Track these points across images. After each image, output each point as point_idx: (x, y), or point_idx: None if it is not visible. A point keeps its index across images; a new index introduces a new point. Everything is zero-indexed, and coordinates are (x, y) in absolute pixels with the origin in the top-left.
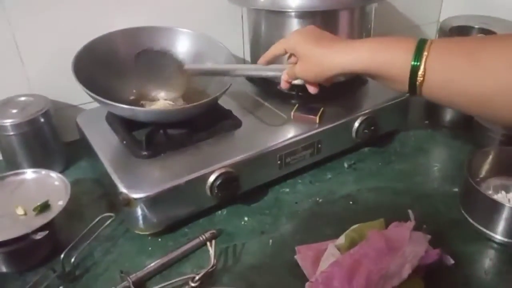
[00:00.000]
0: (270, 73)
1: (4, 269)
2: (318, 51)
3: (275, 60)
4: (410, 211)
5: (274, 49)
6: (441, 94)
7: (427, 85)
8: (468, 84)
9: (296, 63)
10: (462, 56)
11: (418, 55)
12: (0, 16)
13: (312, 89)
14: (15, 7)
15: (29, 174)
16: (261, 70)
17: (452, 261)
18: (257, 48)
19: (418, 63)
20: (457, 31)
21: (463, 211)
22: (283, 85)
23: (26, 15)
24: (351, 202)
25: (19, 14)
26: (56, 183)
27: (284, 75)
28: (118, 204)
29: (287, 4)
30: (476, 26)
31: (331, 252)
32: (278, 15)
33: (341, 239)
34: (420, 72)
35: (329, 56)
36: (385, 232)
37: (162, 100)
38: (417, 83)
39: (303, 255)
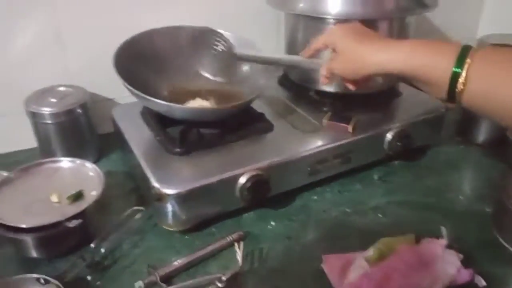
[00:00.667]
0: (310, 66)
1: (35, 254)
2: (357, 48)
3: (316, 54)
4: (443, 228)
5: (315, 43)
6: (481, 104)
7: (467, 94)
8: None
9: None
10: (507, 67)
11: (460, 62)
12: (46, 7)
13: (350, 86)
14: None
15: (65, 162)
16: (302, 62)
17: (484, 283)
18: (293, 53)
19: (460, 70)
20: None
21: (495, 232)
22: (322, 80)
23: (72, 7)
24: (380, 215)
25: (65, 5)
26: (91, 173)
27: (323, 70)
28: (149, 198)
29: (326, 10)
30: None
31: (359, 264)
32: (317, 21)
33: (370, 252)
34: (461, 80)
35: (368, 53)
36: (416, 247)
37: (198, 99)
38: (457, 90)
39: (330, 264)
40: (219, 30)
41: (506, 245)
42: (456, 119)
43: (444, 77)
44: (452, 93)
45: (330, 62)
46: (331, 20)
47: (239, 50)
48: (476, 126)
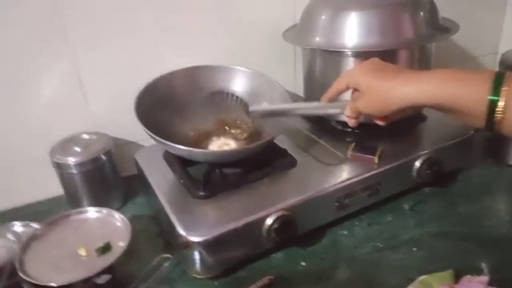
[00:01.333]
0: (333, 111)
1: None
2: (382, 84)
3: (338, 96)
4: (484, 265)
5: (337, 85)
6: None
7: (508, 121)
8: None
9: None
10: None
11: (496, 90)
12: (66, 54)
13: (380, 122)
14: (81, 47)
15: (92, 213)
16: (323, 108)
17: None
18: (311, 86)
19: (497, 98)
20: None
21: None
22: (350, 123)
23: (91, 54)
24: (414, 248)
25: (85, 53)
26: (118, 223)
27: (347, 111)
28: (175, 244)
29: (343, 44)
30: None
31: None
32: (334, 55)
33: None
34: (500, 108)
35: (395, 88)
36: (456, 287)
37: (222, 138)
38: (496, 119)
39: None
40: (231, 90)
41: None
42: (485, 139)
43: (480, 106)
44: (490, 123)
45: (355, 102)
46: (349, 53)
47: (254, 107)
48: (508, 145)
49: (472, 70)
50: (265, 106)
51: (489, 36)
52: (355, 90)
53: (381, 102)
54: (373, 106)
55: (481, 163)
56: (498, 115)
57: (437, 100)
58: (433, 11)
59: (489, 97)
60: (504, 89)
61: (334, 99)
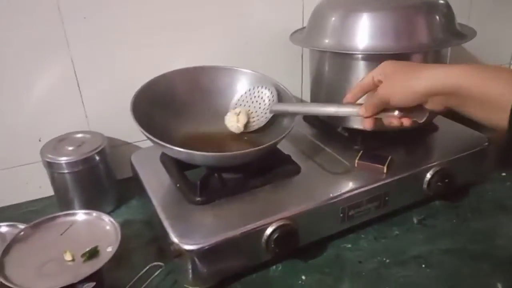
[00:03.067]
0: (349, 110)
1: None
2: (410, 66)
3: (363, 95)
4: (500, 286)
5: (362, 82)
6: None
7: None
8: None
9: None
10: None
11: None
12: (64, 53)
13: (405, 121)
14: (78, 46)
15: (80, 215)
16: (341, 109)
17: None
18: (319, 89)
19: None
20: None
21: None
22: (367, 125)
23: (88, 54)
24: (423, 265)
25: (82, 53)
26: (107, 227)
27: (362, 110)
28: (168, 251)
29: (354, 46)
30: None
31: None
32: (344, 57)
33: None
34: None
35: (419, 70)
36: None
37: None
38: None
39: None
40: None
41: None
42: (499, 152)
43: (506, 95)
44: None
45: (370, 95)
46: (359, 56)
47: (275, 105)
48: None
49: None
50: (284, 105)
51: (503, 47)
52: (379, 83)
53: (407, 81)
54: (396, 90)
55: (495, 177)
56: None
57: (465, 84)
58: (449, 16)
59: None
60: None
61: (359, 97)
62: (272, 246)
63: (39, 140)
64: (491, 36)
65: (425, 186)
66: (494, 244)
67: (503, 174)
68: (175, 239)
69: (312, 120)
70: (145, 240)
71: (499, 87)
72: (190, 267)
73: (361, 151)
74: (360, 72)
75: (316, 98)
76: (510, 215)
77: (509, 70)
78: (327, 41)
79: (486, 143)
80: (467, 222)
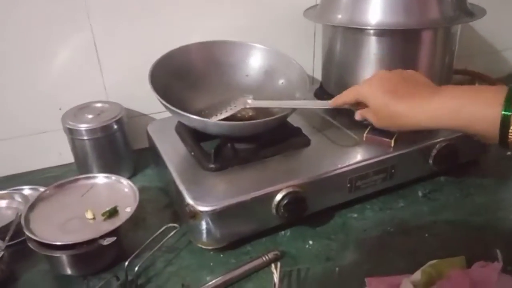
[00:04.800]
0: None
1: (69, 272)
2: (391, 105)
3: (343, 106)
4: (498, 251)
5: (345, 97)
6: None
7: None
8: None
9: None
10: None
11: (508, 103)
12: (84, 25)
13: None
14: (98, 18)
15: (100, 178)
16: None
17: None
18: (330, 66)
19: (510, 113)
20: None
21: None
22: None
23: (108, 25)
24: (426, 235)
25: (102, 24)
26: (126, 189)
27: (357, 116)
28: (183, 215)
29: (366, 21)
30: None
31: None
32: (355, 33)
33: (417, 275)
34: None
35: (405, 111)
36: (468, 271)
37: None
38: (510, 139)
39: None
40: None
41: None
42: None
43: (493, 124)
44: (504, 140)
45: (365, 111)
46: (371, 31)
47: (253, 102)
48: None
49: (485, 87)
50: (264, 102)
51: None
52: (363, 105)
53: (391, 122)
54: (383, 124)
55: (499, 155)
56: (510, 135)
57: (451, 126)
58: None
59: (503, 113)
60: None
61: (339, 107)
62: (282, 211)
63: (60, 109)
64: (501, 19)
65: (430, 161)
66: (495, 217)
67: (508, 153)
68: (190, 201)
69: (323, 96)
70: (161, 205)
71: (485, 122)
72: (204, 228)
73: (370, 126)
74: (372, 48)
75: (327, 73)
76: (511, 191)
77: (494, 93)
78: (340, 16)
79: None
80: (470, 196)
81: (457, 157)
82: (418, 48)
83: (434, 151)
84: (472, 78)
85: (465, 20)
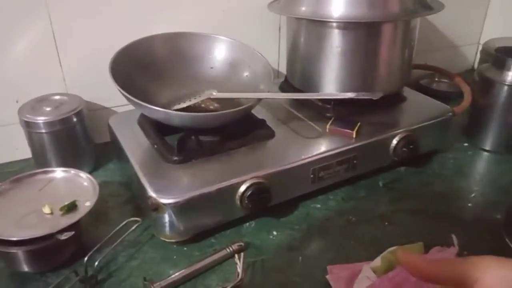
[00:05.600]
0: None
1: (25, 268)
2: None
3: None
4: (454, 236)
5: (448, 270)
6: None
7: None
8: None
9: None
10: None
11: None
12: (42, 14)
13: None
14: (57, 7)
15: (59, 173)
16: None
17: None
18: (295, 59)
19: None
20: (504, 52)
21: (507, 240)
22: None
23: (67, 15)
24: (386, 223)
25: (61, 14)
26: (85, 183)
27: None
28: (146, 209)
29: (329, 13)
30: None
31: (366, 275)
32: (319, 25)
33: (377, 261)
34: None
35: None
36: (426, 256)
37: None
38: None
39: (335, 276)
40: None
41: None
42: (463, 123)
43: None
44: None
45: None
46: (334, 24)
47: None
48: (485, 131)
49: None
50: (228, 94)
51: (472, 27)
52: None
53: None
54: None
55: (457, 147)
56: None
57: None
58: None
59: None
60: None
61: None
62: (246, 202)
63: (16, 102)
64: (461, 15)
65: (391, 152)
66: (453, 205)
67: (465, 144)
68: (152, 193)
69: (288, 89)
70: (123, 199)
71: None
72: (167, 221)
73: (333, 118)
74: (335, 41)
75: (292, 67)
76: (468, 181)
77: None
78: (303, 9)
79: (450, 113)
80: (429, 186)
81: (417, 148)
82: (379, 41)
83: (394, 142)
84: (433, 72)
85: (424, 13)
